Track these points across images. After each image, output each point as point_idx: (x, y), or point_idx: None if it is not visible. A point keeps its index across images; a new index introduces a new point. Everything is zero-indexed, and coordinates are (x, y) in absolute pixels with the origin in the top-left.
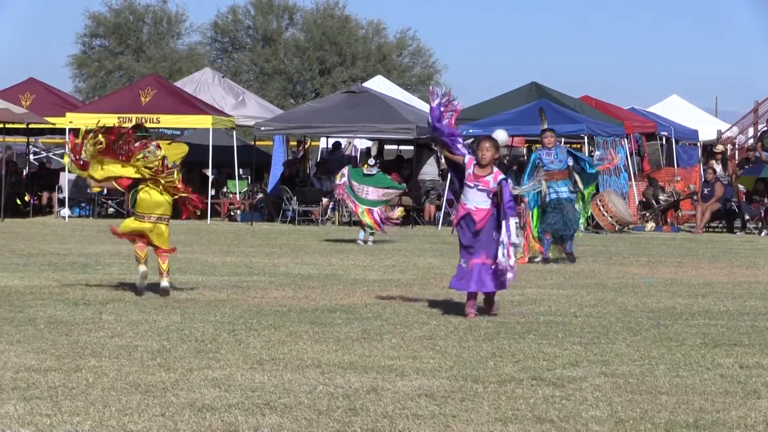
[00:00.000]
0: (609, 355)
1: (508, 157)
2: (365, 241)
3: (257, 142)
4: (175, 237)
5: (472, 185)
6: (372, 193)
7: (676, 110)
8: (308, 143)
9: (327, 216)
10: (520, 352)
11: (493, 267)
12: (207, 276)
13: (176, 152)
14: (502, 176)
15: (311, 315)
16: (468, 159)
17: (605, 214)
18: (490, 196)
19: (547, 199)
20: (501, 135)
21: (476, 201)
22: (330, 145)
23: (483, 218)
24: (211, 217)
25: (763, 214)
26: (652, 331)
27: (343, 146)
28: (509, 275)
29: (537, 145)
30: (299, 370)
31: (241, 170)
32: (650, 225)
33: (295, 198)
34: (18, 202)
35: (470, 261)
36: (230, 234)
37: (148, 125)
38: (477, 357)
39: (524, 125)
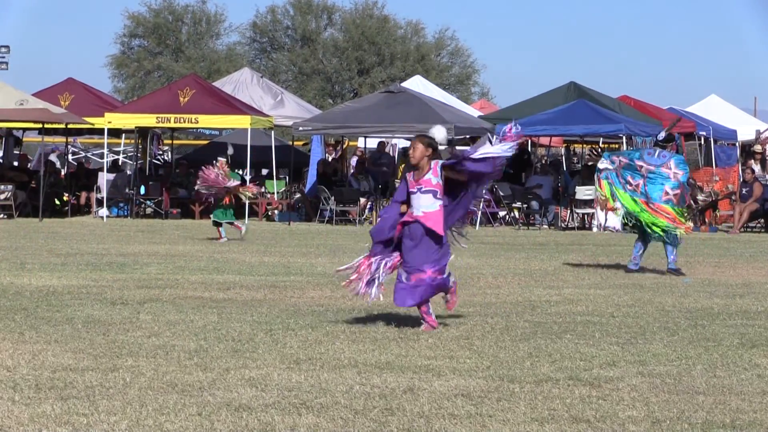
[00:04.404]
0: (646, 355)
1: (546, 158)
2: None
3: (295, 142)
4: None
5: (415, 190)
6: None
7: (714, 110)
8: (346, 143)
9: (365, 216)
10: (556, 352)
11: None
12: (244, 276)
13: None
14: (440, 162)
15: (348, 315)
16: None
17: None
18: (438, 195)
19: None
20: (438, 133)
21: (424, 206)
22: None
23: (436, 221)
24: (249, 217)
25: None
26: (689, 332)
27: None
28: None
29: (574, 146)
30: (336, 370)
31: (279, 170)
32: (688, 225)
33: (332, 198)
34: (56, 202)
35: (413, 276)
36: (268, 234)
37: (186, 125)
38: (514, 357)
39: (563, 125)
